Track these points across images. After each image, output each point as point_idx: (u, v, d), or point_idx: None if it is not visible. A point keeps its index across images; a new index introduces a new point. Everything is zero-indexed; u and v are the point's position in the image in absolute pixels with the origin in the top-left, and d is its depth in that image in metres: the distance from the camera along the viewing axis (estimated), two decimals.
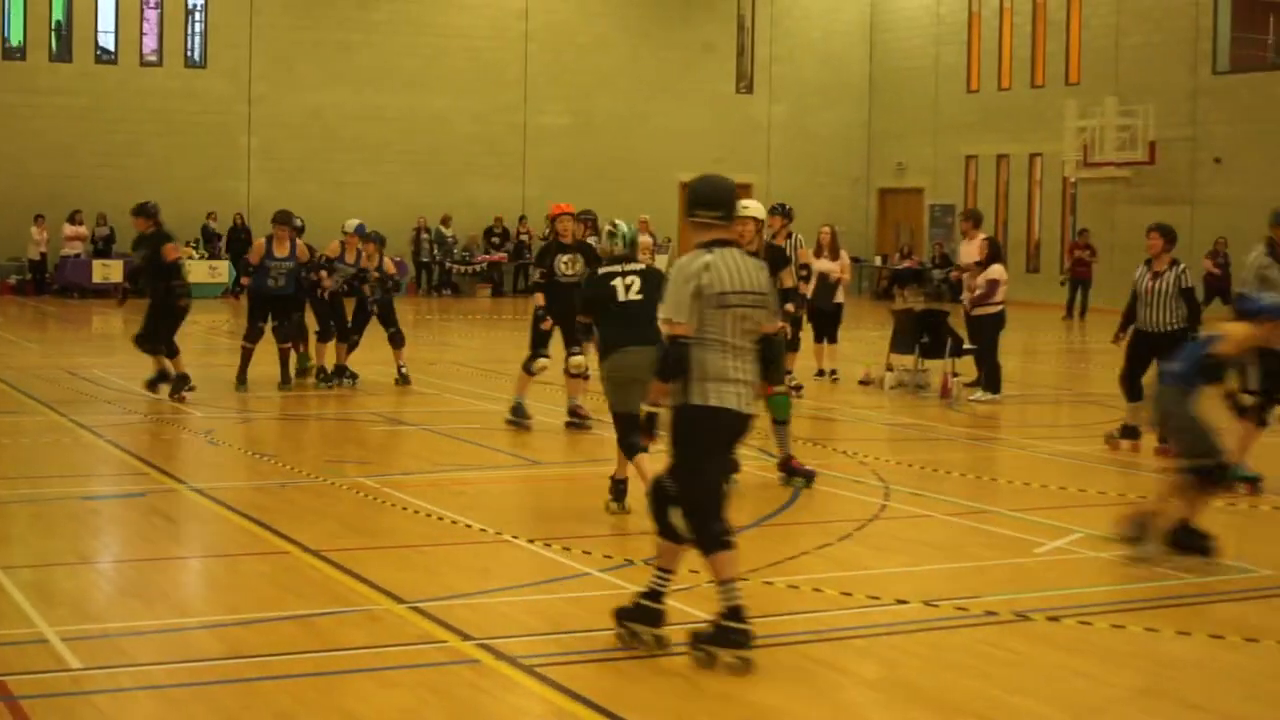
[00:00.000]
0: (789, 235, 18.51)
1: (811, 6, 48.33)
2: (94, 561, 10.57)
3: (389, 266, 21.07)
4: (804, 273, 18.92)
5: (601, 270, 12.13)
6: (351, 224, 21.03)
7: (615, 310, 11.79)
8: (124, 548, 10.99)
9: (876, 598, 9.54)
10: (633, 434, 11.33)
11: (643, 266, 12.04)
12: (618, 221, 12.28)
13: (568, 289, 15.95)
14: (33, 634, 8.42)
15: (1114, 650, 8.46)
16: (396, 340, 20.53)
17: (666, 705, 7.40)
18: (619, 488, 12.08)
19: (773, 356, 12.45)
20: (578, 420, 16.45)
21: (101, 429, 15.89)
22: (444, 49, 43.97)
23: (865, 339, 26.99)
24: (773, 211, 18.20)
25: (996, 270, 19.76)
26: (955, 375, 20.03)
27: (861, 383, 21.28)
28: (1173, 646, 8.57)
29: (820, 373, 21.46)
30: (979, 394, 19.69)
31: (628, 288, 11.85)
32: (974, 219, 21.50)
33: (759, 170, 47.75)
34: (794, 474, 13.42)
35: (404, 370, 20.45)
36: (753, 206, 13.08)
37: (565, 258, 16.37)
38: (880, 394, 20.53)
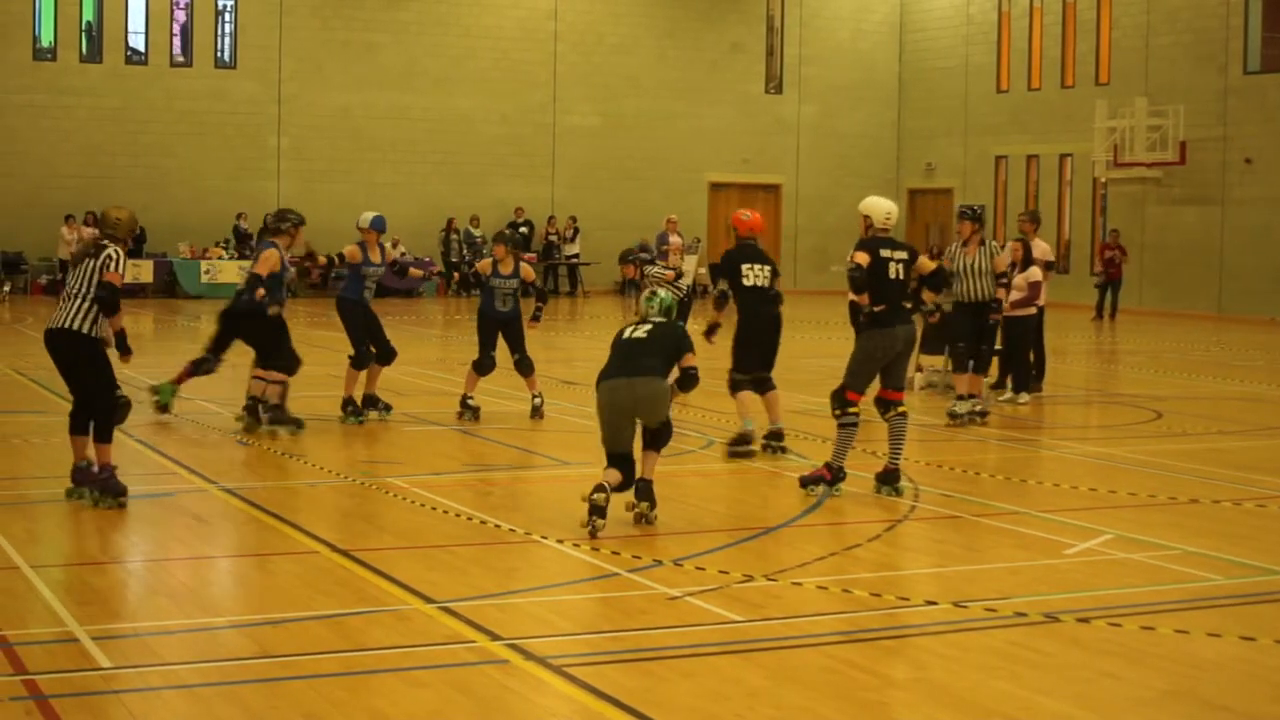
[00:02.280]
0: (981, 241, 18.00)
1: (841, 7, 48.28)
2: (124, 561, 10.61)
3: (528, 273, 17.63)
4: (1003, 279, 18.01)
5: (624, 327, 12.29)
6: (367, 217, 17.53)
7: (616, 351, 11.99)
8: (154, 547, 11.02)
9: (906, 598, 9.53)
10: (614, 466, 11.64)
11: (658, 323, 12.13)
12: (660, 292, 12.40)
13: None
14: (63, 633, 8.45)
15: (1144, 652, 8.44)
16: (524, 367, 17.49)
17: (695, 706, 7.40)
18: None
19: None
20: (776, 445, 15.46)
21: (131, 428, 15.91)
22: (472, 49, 44.02)
23: None
24: (962, 216, 18.13)
25: (1037, 272, 19.70)
26: (985, 377, 19.95)
27: None
28: (1203, 648, 8.54)
29: None
30: (1009, 394, 19.63)
31: (633, 330, 12.06)
32: (1034, 220, 21.12)
33: (788, 171, 47.77)
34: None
35: (538, 400, 17.52)
36: (868, 204, 13.50)
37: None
38: (910, 394, 20.45)
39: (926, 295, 13.92)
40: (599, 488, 11.31)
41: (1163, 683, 7.90)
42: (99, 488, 11.91)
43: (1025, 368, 19.70)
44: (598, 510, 11.22)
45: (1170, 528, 11.90)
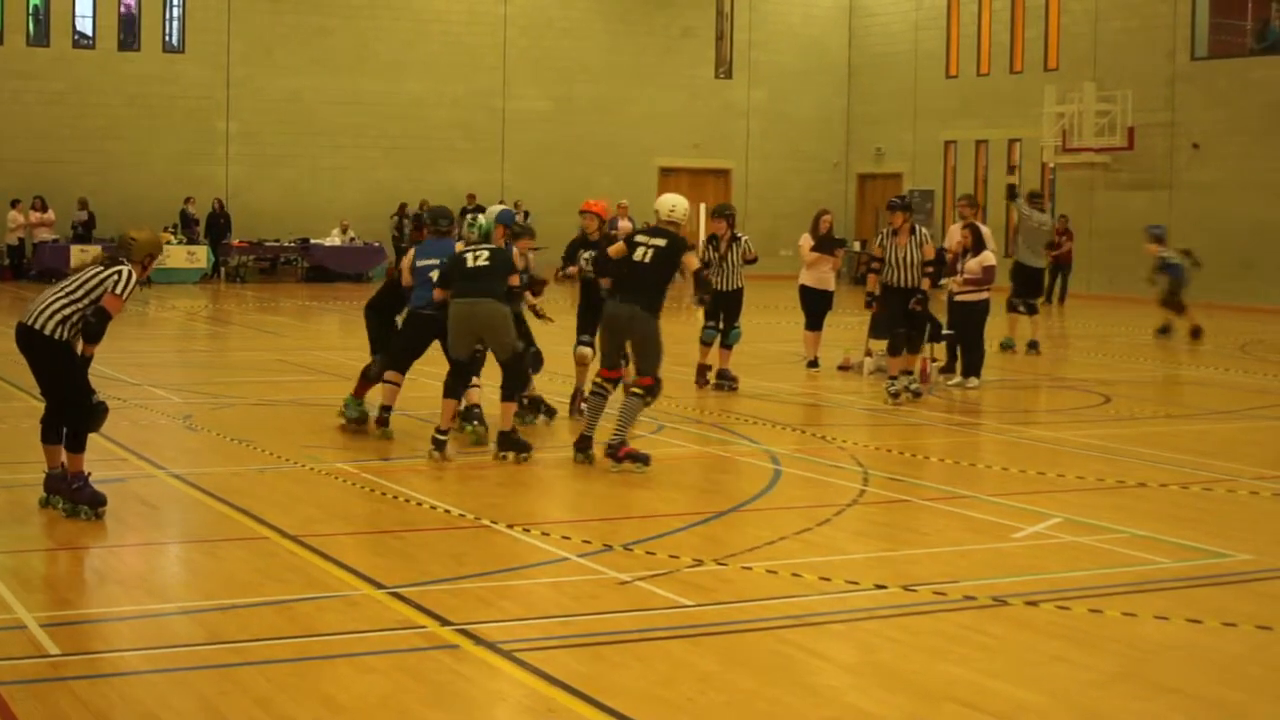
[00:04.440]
0: (912, 230, 18.01)
1: None
2: (73, 547, 10.55)
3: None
4: (929, 268, 18.03)
5: (461, 251, 14.26)
6: (499, 209, 16.51)
7: (462, 274, 13.99)
8: (102, 533, 10.95)
9: (855, 582, 9.56)
10: (456, 378, 13.94)
11: (494, 248, 14.25)
12: (479, 217, 14.72)
13: (584, 282, 16.35)
14: (11, 620, 8.41)
15: (1092, 634, 8.49)
16: (536, 361, 16.24)
17: (645, 690, 7.41)
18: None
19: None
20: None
21: None
22: (422, 33, 43.93)
23: (844, 324, 27.01)
24: (891, 207, 18.16)
25: (991, 256, 19.74)
26: (934, 360, 20.05)
27: (840, 368, 21.29)
28: (1150, 631, 8.60)
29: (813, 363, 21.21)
30: (958, 379, 19.70)
31: (475, 258, 14.03)
32: (973, 204, 21.33)
33: (738, 155, 47.81)
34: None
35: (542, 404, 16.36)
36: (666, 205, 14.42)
37: (585, 254, 16.12)
38: (859, 379, 20.55)
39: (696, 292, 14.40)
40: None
41: (1111, 665, 7.94)
42: (71, 499, 11.15)
43: (978, 352, 19.74)
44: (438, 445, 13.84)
45: (1118, 511, 11.97)
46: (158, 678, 7.55)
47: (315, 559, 9.99)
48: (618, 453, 13.38)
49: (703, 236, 20.52)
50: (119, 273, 11.09)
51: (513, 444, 13.80)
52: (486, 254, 14.02)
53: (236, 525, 11.08)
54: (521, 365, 14.15)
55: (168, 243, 39.44)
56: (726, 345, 18.68)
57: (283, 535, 10.64)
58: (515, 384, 14.07)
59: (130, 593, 9.21)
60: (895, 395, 17.95)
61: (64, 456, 11.25)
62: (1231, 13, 39.41)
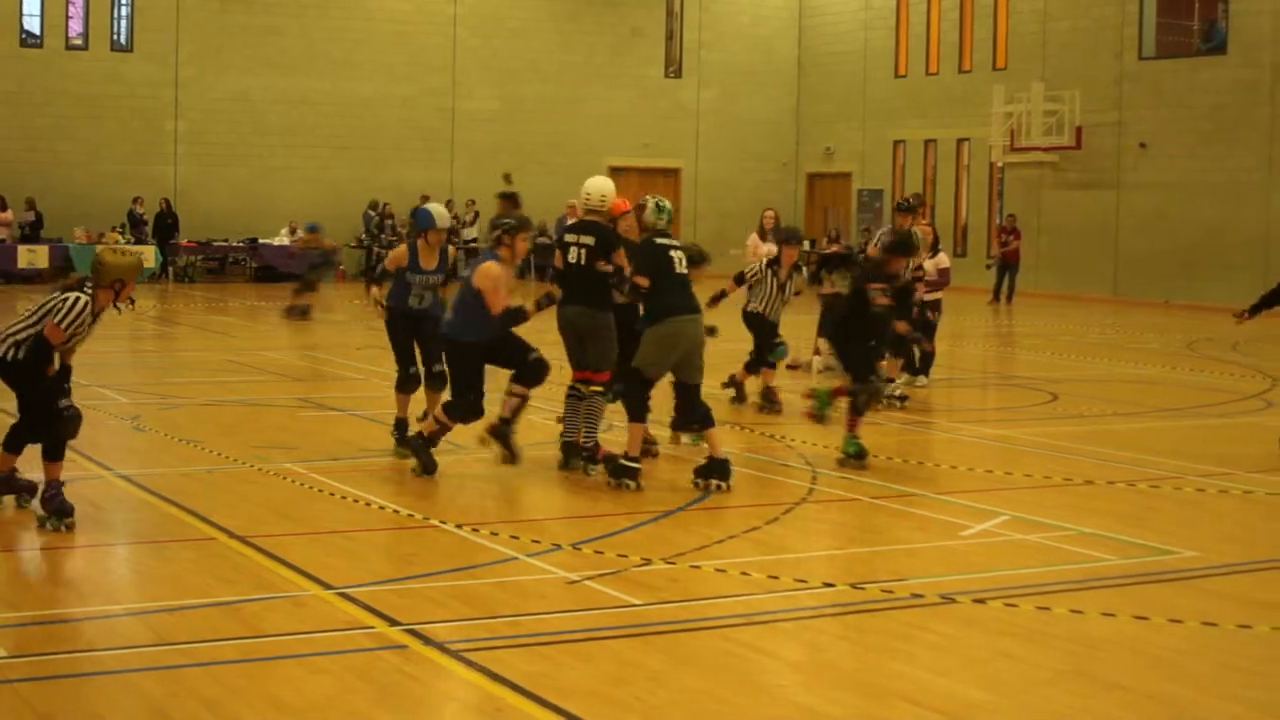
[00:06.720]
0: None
1: None
2: (19, 549, 10.51)
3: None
4: (919, 272, 17.96)
5: (659, 241, 12.82)
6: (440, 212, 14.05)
7: (674, 279, 12.70)
8: (50, 535, 10.89)
9: (803, 581, 9.58)
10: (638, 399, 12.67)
11: (685, 247, 13.04)
12: (664, 200, 13.02)
13: None
14: None
15: (1039, 632, 8.53)
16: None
17: (594, 690, 7.42)
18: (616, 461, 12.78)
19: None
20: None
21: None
22: (372, 33, 43.80)
23: (793, 323, 27.01)
24: (899, 209, 18.05)
25: (945, 258, 19.80)
26: (882, 359, 20.08)
27: (789, 367, 21.30)
28: (1097, 628, 8.64)
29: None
30: (905, 378, 19.75)
31: (680, 261, 12.79)
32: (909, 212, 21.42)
33: (688, 155, 47.81)
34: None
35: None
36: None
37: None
38: (807, 378, 20.56)
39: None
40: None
41: (1058, 662, 7.98)
42: (44, 507, 10.99)
43: (927, 351, 19.77)
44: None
45: (1065, 509, 12.03)
46: (104, 680, 7.52)
47: (263, 560, 9.96)
48: (595, 455, 13.22)
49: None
50: (65, 300, 10.98)
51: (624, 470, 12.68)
52: (685, 258, 12.86)
53: (184, 526, 11.04)
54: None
55: (115, 243, 39.26)
56: (772, 362, 17.92)
57: (230, 536, 10.62)
58: (693, 412, 12.89)
59: (77, 594, 9.18)
60: (902, 399, 18.03)
61: (44, 465, 11.10)
62: (1179, 13, 39.63)
